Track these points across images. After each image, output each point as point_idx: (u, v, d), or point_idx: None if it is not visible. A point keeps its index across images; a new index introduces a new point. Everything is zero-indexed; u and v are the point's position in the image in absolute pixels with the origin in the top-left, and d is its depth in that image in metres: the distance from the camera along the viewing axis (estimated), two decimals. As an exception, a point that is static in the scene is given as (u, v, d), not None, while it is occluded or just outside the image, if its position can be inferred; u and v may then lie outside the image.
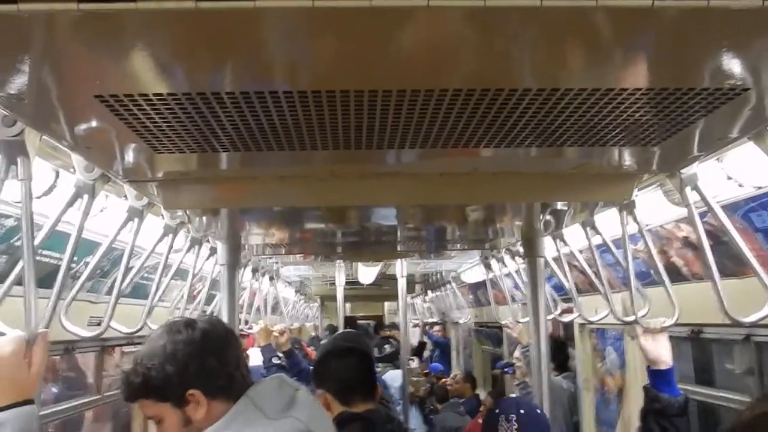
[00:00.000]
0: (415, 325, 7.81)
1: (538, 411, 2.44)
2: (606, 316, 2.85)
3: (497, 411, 2.30)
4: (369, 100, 1.06)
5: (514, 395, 4.29)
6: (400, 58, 0.92)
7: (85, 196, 1.67)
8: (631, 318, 2.60)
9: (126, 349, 4.15)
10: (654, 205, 2.26)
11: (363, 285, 7.49)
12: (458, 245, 3.58)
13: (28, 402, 1.22)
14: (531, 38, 0.88)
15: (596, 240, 2.51)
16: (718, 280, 1.81)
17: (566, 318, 3.78)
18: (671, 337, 3.52)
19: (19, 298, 1.67)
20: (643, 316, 2.52)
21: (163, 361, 1.41)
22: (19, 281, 1.62)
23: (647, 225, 2.27)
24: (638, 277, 2.62)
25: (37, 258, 1.68)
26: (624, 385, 3.84)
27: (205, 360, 1.44)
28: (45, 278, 1.98)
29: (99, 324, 2.45)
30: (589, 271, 2.89)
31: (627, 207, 2.00)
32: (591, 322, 3.07)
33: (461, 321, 7.96)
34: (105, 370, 3.92)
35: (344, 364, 2.29)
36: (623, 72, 1.02)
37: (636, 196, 1.94)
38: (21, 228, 2.18)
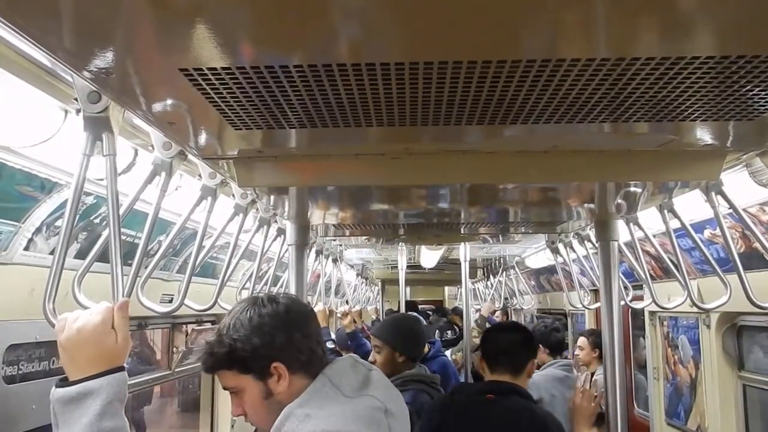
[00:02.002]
0: (478, 310, 7.73)
1: None
2: (682, 303, 2.74)
3: None
4: (438, 73, 1.03)
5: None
6: (467, 27, 0.88)
7: (163, 174, 1.70)
8: (710, 305, 2.50)
9: (195, 327, 4.28)
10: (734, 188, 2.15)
11: (424, 269, 7.47)
12: (524, 228, 3.50)
13: (119, 369, 1.26)
14: (607, 3, 0.83)
15: (672, 224, 2.41)
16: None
17: (638, 305, 3.66)
18: (749, 327, 3.39)
19: (98, 274, 1.73)
20: (724, 303, 2.42)
21: (249, 332, 1.44)
22: (99, 257, 1.67)
23: (728, 208, 2.15)
24: (717, 263, 2.50)
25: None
26: (698, 375, 3.71)
27: (290, 334, 1.47)
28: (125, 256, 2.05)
29: (170, 301, 2.51)
30: (664, 256, 2.79)
31: (714, 187, 1.90)
32: (665, 309, 2.96)
33: (524, 307, 7.86)
34: (175, 346, 4.05)
35: None
36: (704, 38, 0.95)
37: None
38: (100, 206, 2.28)
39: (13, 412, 2.24)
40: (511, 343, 2.65)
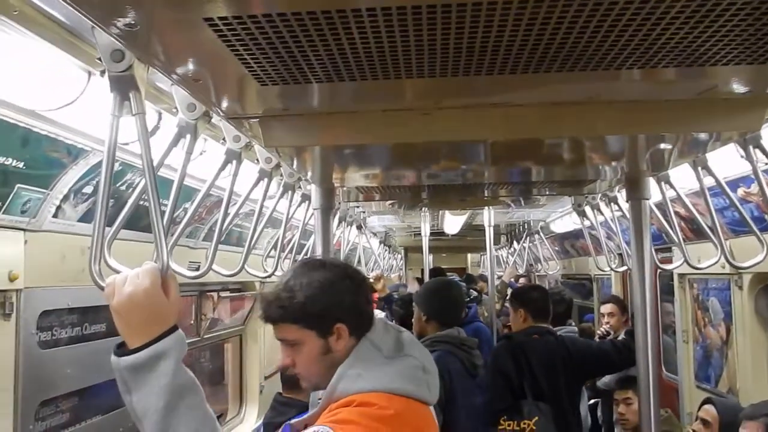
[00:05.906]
0: (500, 277, 7.70)
1: None
2: (715, 263, 2.69)
3: None
4: (472, 15, 0.98)
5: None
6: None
7: (188, 136, 1.68)
8: (745, 264, 2.45)
9: (222, 294, 4.32)
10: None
11: (447, 236, 7.45)
12: (549, 190, 3.44)
13: (175, 328, 1.25)
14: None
15: (706, 181, 2.34)
16: None
17: (668, 267, 3.61)
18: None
19: (125, 241, 1.72)
20: (760, 262, 2.36)
21: (320, 292, 1.51)
22: (126, 224, 1.65)
23: (766, 163, 2.08)
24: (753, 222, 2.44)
25: (140, 202, 1.72)
26: (729, 337, 3.66)
27: (356, 297, 1.55)
28: (147, 223, 2.04)
29: (197, 269, 2.52)
30: (697, 216, 2.72)
31: (752, 140, 1.83)
32: (698, 270, 2.90)
33: (549, 273, 7.81)
34: (203, 313, 4.10)
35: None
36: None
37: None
38: (125, 172, 2.27)
39: (49, 377, 2.28)
40: (545, 299, 3.77)
